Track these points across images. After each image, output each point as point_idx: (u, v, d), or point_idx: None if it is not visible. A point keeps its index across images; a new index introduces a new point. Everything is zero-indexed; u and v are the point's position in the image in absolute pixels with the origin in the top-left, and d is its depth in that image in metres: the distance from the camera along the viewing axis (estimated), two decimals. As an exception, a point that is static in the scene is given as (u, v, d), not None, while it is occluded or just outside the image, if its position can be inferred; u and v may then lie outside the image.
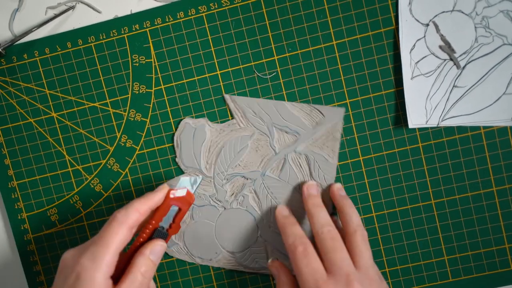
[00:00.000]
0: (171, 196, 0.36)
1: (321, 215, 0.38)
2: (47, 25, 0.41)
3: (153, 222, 0.36)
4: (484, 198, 0.41)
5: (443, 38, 0.38)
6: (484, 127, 0.40)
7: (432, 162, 0.41)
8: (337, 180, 0.41)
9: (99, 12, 0.40)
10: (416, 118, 0.40)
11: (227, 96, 0.41)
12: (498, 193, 0.41)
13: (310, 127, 0.41)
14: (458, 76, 0.39)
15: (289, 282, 0.39)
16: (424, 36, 0.39)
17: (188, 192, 0.37)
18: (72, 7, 0.40)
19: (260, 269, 0.42)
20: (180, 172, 0.42)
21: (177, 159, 0.41)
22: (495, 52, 0.39)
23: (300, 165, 0.41)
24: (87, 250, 0.33)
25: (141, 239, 0.35)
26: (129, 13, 0.41)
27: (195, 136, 0.41)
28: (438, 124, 0.40)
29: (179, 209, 0.36)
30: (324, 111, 0.40)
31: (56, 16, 0.40)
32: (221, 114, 0.41)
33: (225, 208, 0.42)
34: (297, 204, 0.42)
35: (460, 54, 0.39)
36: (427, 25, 0.39)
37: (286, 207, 0.41)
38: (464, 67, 0.39)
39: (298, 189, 0.42)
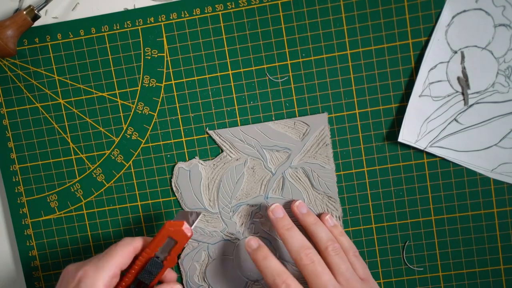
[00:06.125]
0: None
1: (295, 239, 0.37)
2: (61, 11, 0.41)
3: (148, 250, 0.36)
4: (484, 218, 0.41)
5: (464, 70, 0.38)
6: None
7: (436, 179, 0.41)
8: (340, 187, 0.41)
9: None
10: (407, 134, 0.40)
11: (211, 132, 0.41)
12: (498, 214, 0.41)
13: (298, 140, 0.41)
14: (462, 112, 0.39)
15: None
16: (448, 62, 0.39)
17: (186, 226, 0.36)
18: None
19: None
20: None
21: (180, 202, 0.42)
22: (505, 103, 0.39)
23: (299, 178, 0.41)
24: (91, 261, 0.35)
25: (136, 267, 0.36)
26: (132, 7, 0.41)
27: (191, 178, 0.41)
28: (425, 148, 0.40)
29: (176, 242, 0.36)
30: (308, 120, 0.41)
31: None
32: (230, 114, 0.41)
33: (239, 239, 0.42)
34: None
35: (473, 92, 0.39)
36: (455, 52, 0.39)
37: (254, 237, 0.39)
38: (471, 106, 0.39)
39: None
